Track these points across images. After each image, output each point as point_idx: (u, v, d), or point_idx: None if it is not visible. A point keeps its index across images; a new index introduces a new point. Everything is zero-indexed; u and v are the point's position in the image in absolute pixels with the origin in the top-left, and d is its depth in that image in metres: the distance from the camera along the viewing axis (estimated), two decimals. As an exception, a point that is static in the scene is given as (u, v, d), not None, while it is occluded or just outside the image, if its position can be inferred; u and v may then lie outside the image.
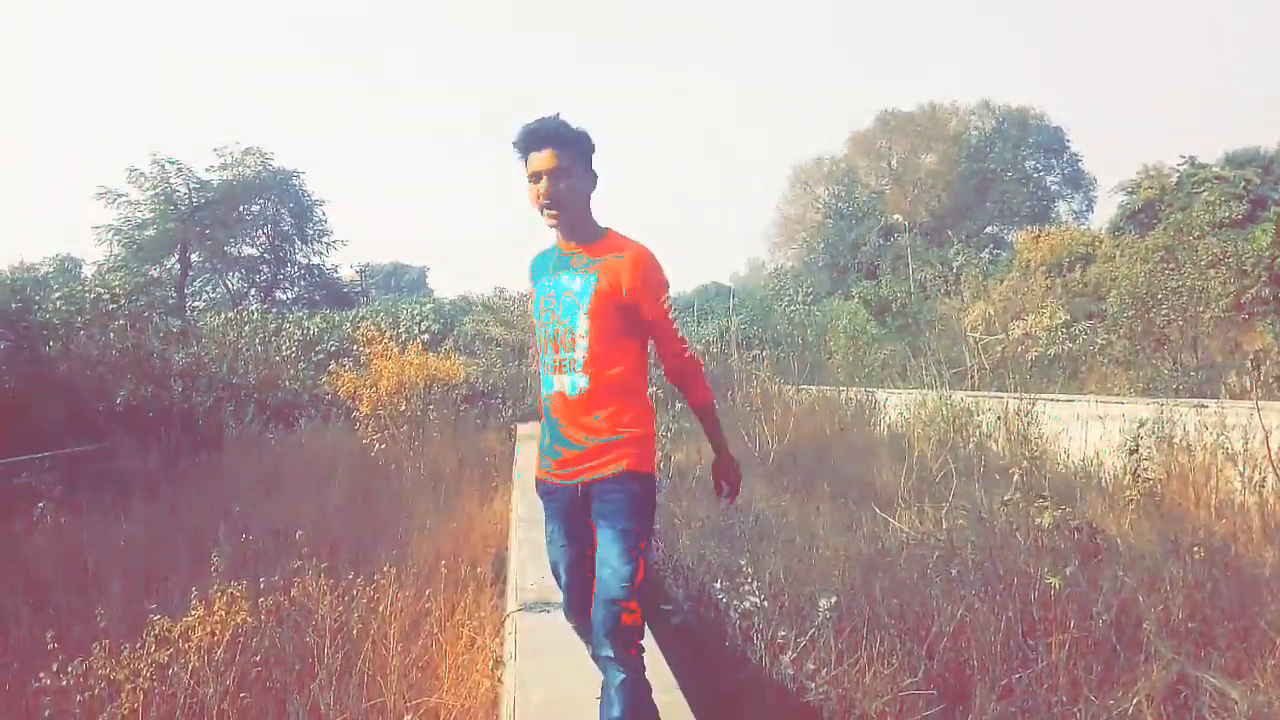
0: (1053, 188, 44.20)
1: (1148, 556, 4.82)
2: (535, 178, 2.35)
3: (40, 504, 6.94)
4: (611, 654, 2.22)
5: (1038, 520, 4.88)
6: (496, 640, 3.89)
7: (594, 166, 2.45)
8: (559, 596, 2.57)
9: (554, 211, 2.37)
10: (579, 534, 2.40)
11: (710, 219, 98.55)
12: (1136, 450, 6.40)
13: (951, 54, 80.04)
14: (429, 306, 22.70)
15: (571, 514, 2.41)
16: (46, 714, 3.45)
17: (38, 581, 5.58)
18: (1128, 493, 6.13)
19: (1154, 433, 7.48)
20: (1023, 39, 78.82)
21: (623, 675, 2.22)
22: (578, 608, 2.43)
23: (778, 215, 48.70)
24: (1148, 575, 4.48)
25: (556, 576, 2.50)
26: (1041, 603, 4.21)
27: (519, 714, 2.73)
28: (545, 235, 2.52)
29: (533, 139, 2.36)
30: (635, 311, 2.39)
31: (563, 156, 2.34)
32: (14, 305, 13.30)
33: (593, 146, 2.43)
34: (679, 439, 10.05)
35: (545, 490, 2.49)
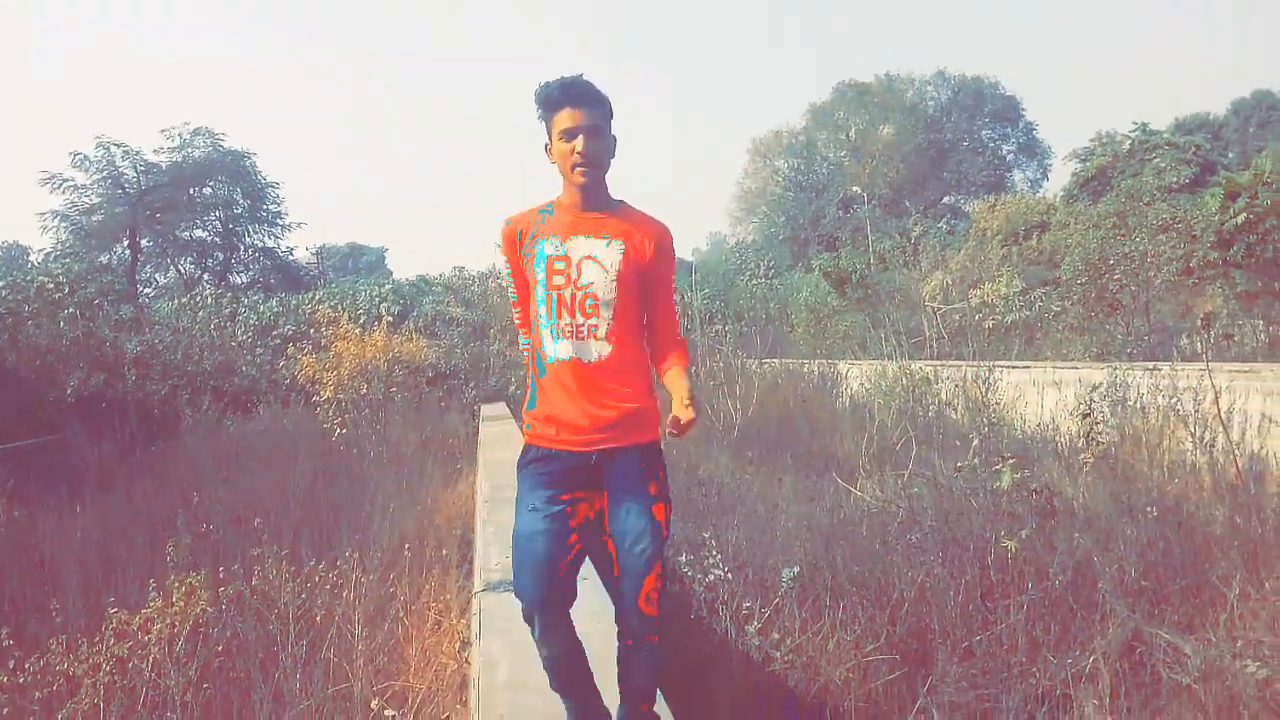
0: (1008, 156, 44.76)
1: (1102, 517, 4.92)
2: (569, 135, 2.30)
3: (-7, 498, 6.80)
4: (644, 626, 2.29)
5: (996, 483, 4.95)
6: (462, 622, 3.88)
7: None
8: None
9: (587, 170, 2.31)
10: (568, 503, 2.32)
11: (671, 193, 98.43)
12: (1090, 414, 6.52)
13: (908, 23, 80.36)
14: (388, 287, 22.46)
15: (568, 482, 2.32)
16: (4, 712, 3.39)
17: (-9, 580, 5.46)
18: (1082, 455, 6.24)
19: (1107, 396, 7.62)
20: (979, 5, 79.27)
21: (648, 649, 2.33)
22: (545, 580, 2.27)
23: (738, 189, 48.81)
24: (1102, 536, 4.58)
25: (527, 549, 2.28)
26: (999, 565, 4.28)
27: (483, 692, 2.72)
28: (503, 209, 2.46)
29: (567, 96, 2.31)
30: (652, 283, 2.42)
31: (597, 116, 2.33)
32: (-42, 296, 12.95)
33: (613, 112, 2.41)
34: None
35: (538, 456, 2.35)
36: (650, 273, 2.39)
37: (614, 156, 2.41)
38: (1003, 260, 17.58)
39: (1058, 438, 7.91)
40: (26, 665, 3.39)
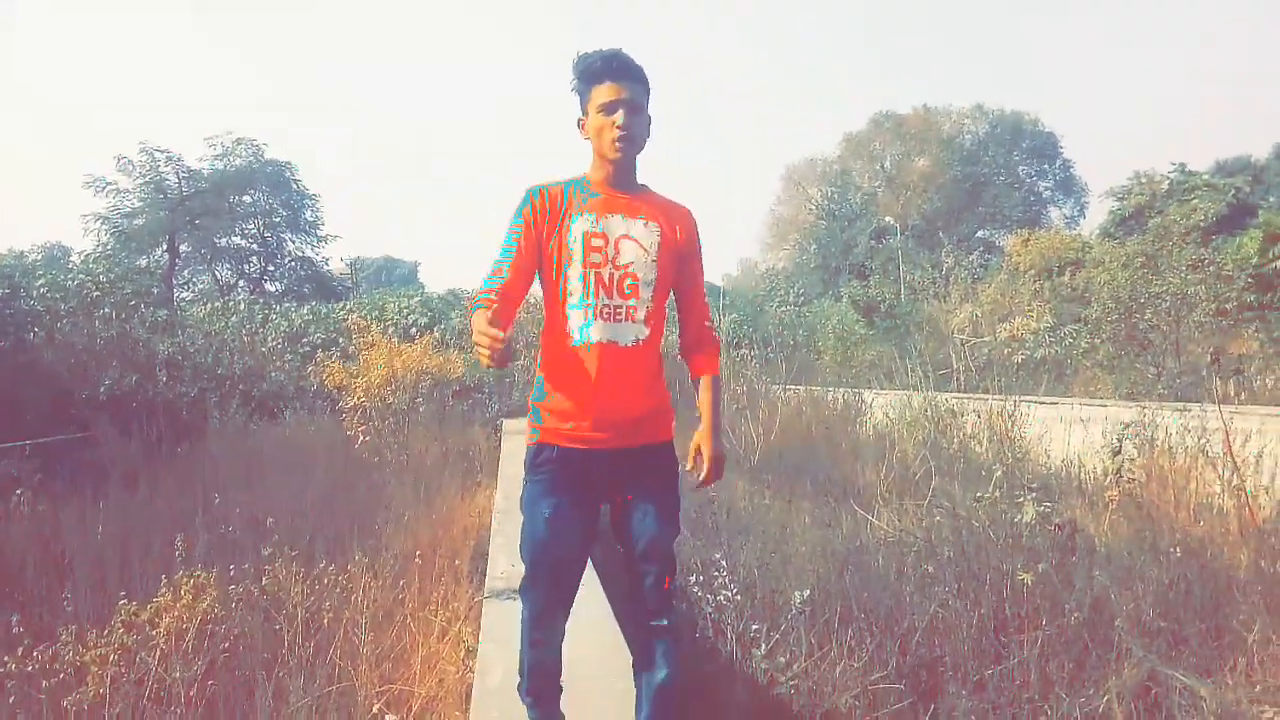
0: (1045, 193, 44.45)
1: (1123, 555, 4.83)
2: (609, 108, 2.22)
3: (18, 491, 6.89)
4: (666, 620, 2.25)
5: (1019, 516, 4.88)
6: (469, 630, 3.87)
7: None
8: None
9: (625, 145, 2.24)
10: (588, 506, 2.26)
11: (703, 219, 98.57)
12: (1119, 451, 6.41)
13: (946, 58, 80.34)
14: (416, 300, 22.63)
15: (589, 482, 2.24)
16: (11, 700, 3.42)
17: (8, 569, 5.53)
18: (1108, 493, 6.14)
19: (1136, 435, 7.50)
20: (1019, 45, 79.09)
21: (668, 640, 2.26)
22: (562, 591, 2.25)
23: (770, 216, 48.88)
24: (1122, 574, 4.49)
25: (542, 553, 2.21)
26: (1015, 600, 4.21)
27: (475, 697, 2.73)
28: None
29: (609, 68, 2.24)
30: (687, 267, 2.38)
31: (638, 91, 2.26)
32: (1, 293, 13.22)
33: (650, 90, 2.33)
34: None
35: (555, 455, 2.24)
36: (684, 257, 2.36)
37: (649, 136, 2.34)
38: (1034, 295, 17.41)
39: (1083, 475, 7.79)
40: (35, 653, 3.42)
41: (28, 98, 73.72)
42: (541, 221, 2.25)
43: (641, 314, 2.25)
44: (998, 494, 5.37)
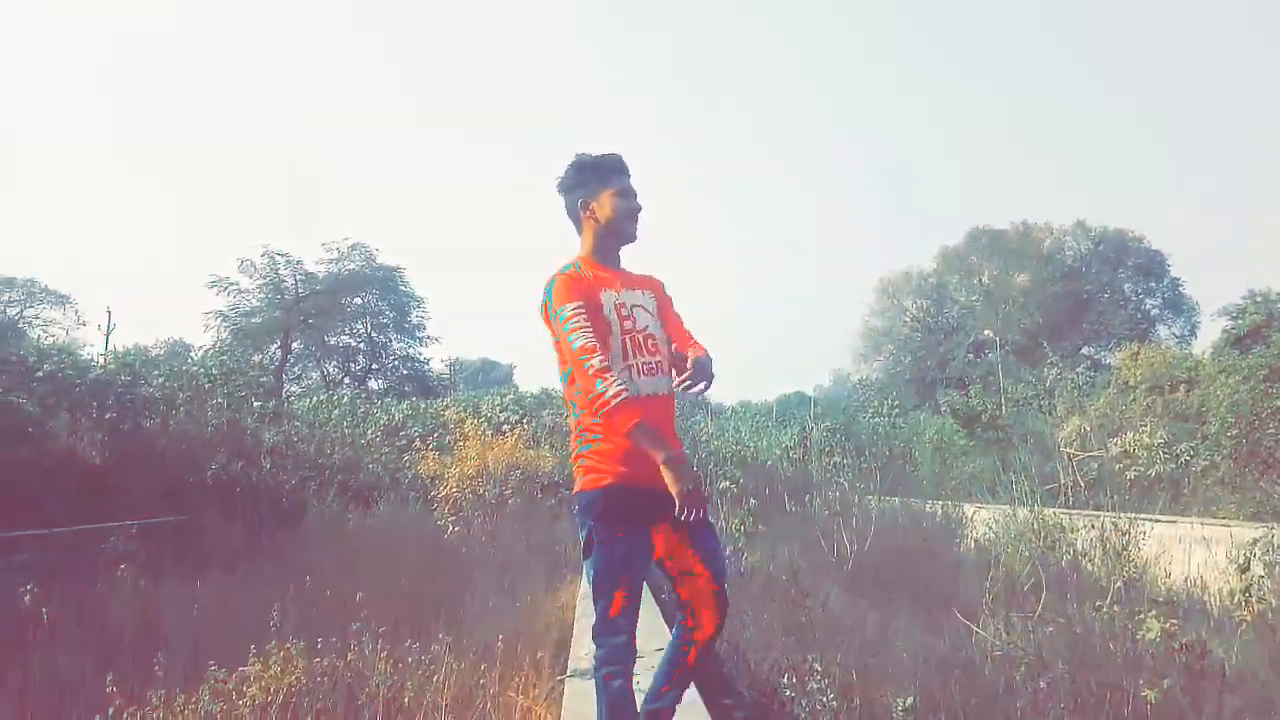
0: (1152, 311, 42.82)
1: (1256, 679, 4.41)
2: (628, 194, 2.71)
3: (122, 566, 7.11)
4: (717, 634, 2.65)
5: (1141, 633, 4.51)
6: (550, 715, 3.75)
7: None
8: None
9: (635, 225, 2.73)
10: (649, 546, 2.56)
11: (795, 329, 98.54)
12: (1247, 569, 5.94)
13: (1046, 174, 79.86)
14: (509, 397, 23.04)
15: (643, 516, 2.52)
16: (102, 761, 3.44)
17: (107, 638, 5.66)
18: (1237, 613, 5.66)
19: (1266, 554, 6.96)
20: (1121, 162, 78.13)
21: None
22: (634, 629, 2.49)
23: (864, 326, 48.28)
24: (1257, 699, 4.08)
25: (631, 584, 2.48)
26: (1137, 719, 3.86)
27: None
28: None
29: (622, 164, 2.76)
30: (670, 318, 2.83)
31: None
32: (122, 379, 14.03)
33: None
34: (752, 543, 9.81)
35: (621, 496, 2.49)
36: (667, 311, 2.82)
37: None
38: (1146, 410, 16.60)
39: (1206, 597, 7.23)
40: (125, 715, 3.44)
41: (158, 199, 79.70)
42: (585, 298, 2.56)
43: (666, 367, 2.67)
44: (1116, 608, 5.00)
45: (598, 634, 2.47)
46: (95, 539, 9.76)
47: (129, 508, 11.64)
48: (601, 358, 2.43)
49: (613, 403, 2.37)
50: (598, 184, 2.71)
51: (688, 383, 2.67)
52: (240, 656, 4.09)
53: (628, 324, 2.61)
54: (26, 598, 5.47)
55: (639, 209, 2.72)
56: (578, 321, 2.48)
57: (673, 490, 2.38)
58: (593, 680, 2.52)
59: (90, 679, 4.53)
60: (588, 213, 2.71)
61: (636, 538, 2.50)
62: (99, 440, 13.29)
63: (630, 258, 2.84)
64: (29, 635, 5.24)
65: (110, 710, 3.45)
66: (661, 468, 2.38)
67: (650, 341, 2.64)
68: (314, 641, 4.33)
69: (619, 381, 2.40)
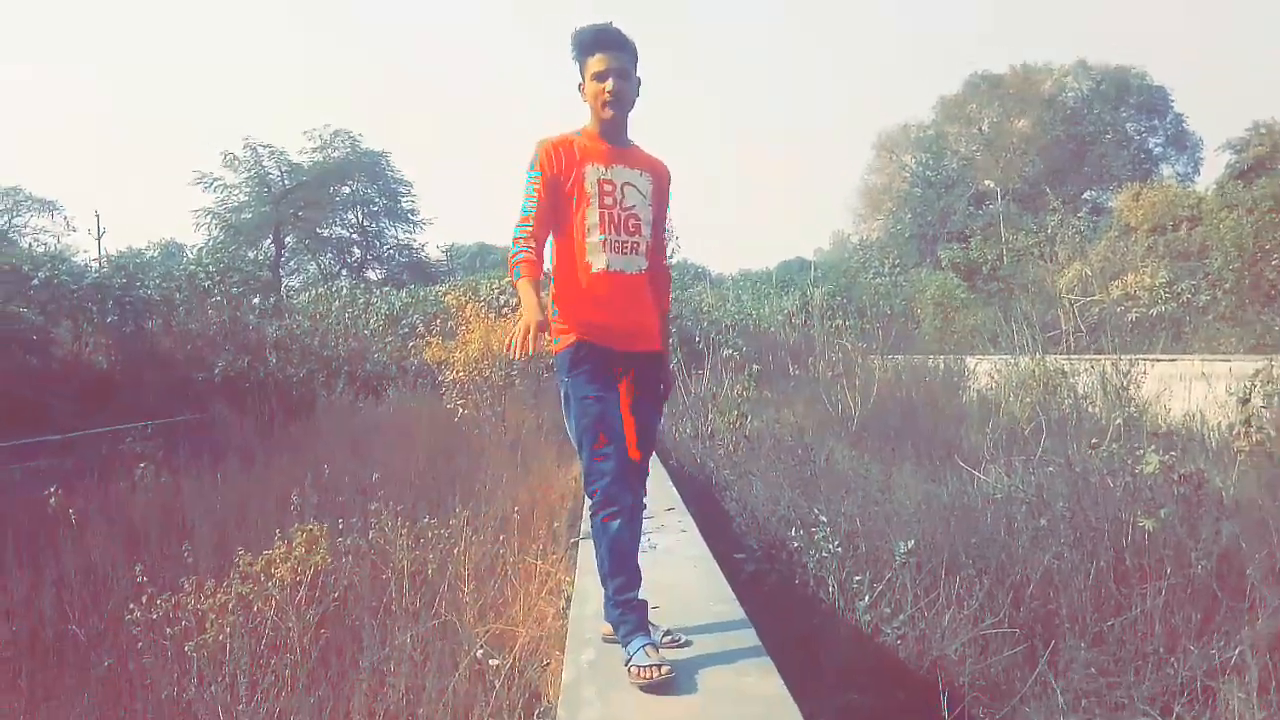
0: (1155, 150, 41.89)
1: (1254, 505, 4.53)
2: (601, 76, 2.64)
3: (141, 465, 7.26)
4: (643, 488, 2.78)
5: (1139, 468, 4.61)
6: (568, 579, 3.89)
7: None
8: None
9: (615, 107, 2.65)
10: (615, 391, 2.70)
11: (791, 192, 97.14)
12: (1247, 400, 6.02)
13: (1043, 11, 76.87)
14: (507, 280, 22.95)
15: (610, 374, 2.67)
16: (139, 645, 3.59)
17: (136, 533, 5.82)
18: (1237, 444, 5.77)
19: (1266, 385, 7.03)
20: (1124, -5, 74.94)
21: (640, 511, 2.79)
22: (628, 463, 2.61)
23: (862, 185, 47.40)
24: (1253, 524, 4.21)
25: (609, 431, 2.58)
26: (1135, 550, 3.99)
27: (573, 621, 2.84)
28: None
29: (599, 41, 2.66)
30: (660, 208, 2.84)
31: (624, 59, 2.67)
32: (119, 283, 13.98)
33: (638, 56, 2.74)
34: (757, 407, 9.95)
35: (588, 353, 2.64)
36: (664, 200, 2.84)
37: (638, 96, 2.75)
38: (1148, 252, 16.50)
39: (1206, 431, 7.36)
40: (159, 601, 3.57)
41: (136, 102, 77.54)
42: (557, 167, 2.67)
43: (643, 248, 2.74)
44: (1115, 446, 5.10)
45: (588, 481, 2.61)
46: (111, 441, 9.93)
47: (139, 408, 11.80)
48: (530, 226, 2.60)
49: (513, 261, 2.57)
50: (581, 60, 2.70)
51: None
52: (265, 542, 4.22)
53: (608, 199, 2.66)
54: (52, 500, 5.63)
55: (613, 90, 2.64)
56: (531, 190, 2.65)
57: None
58: None
59: (121, 570, 4.69)
60: (581, 91, 2.73)
61: (606, 388, 2.64)
62: (103, 345, 13.37)
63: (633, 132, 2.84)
64: (59, 534, 5.39)
65: (144, 598, 3.57)
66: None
67: (632, 221, 2.70)
68: (335, 523, 4.46)
69: (524, 246, 2.56)
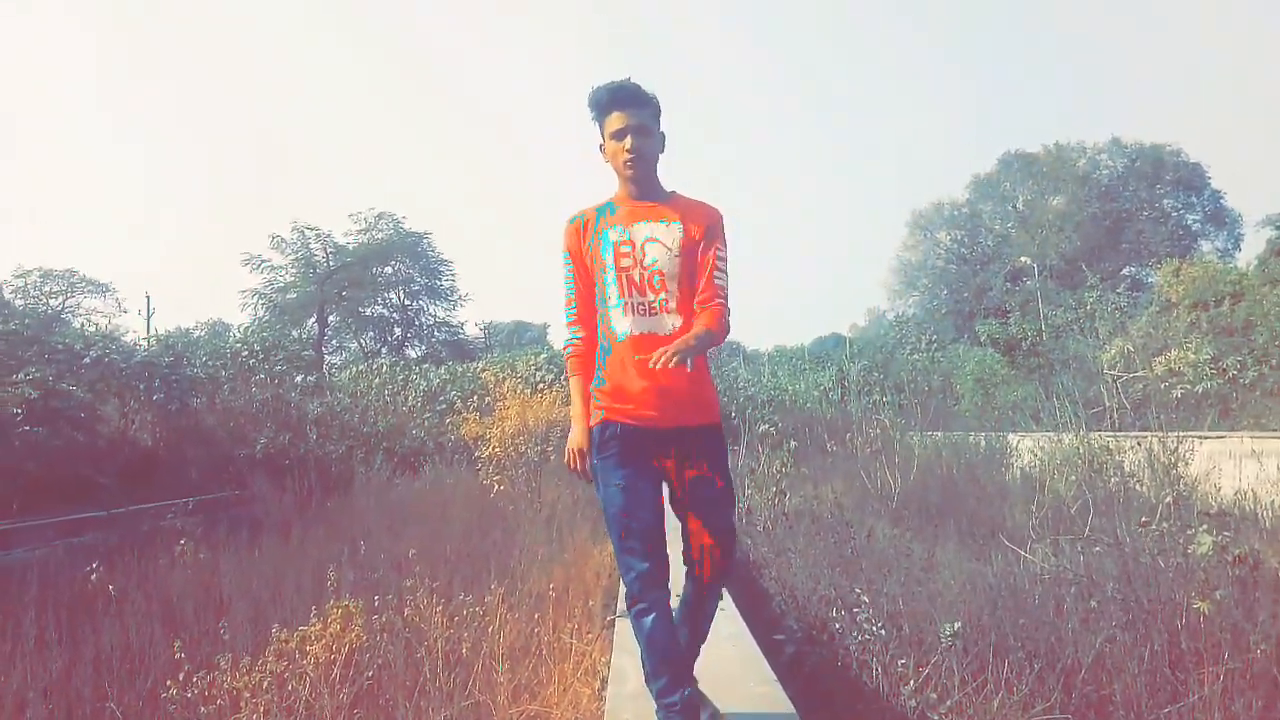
0: (1194, 226, 41.66)
1: (1315, 588, 4.34)
2: (619, 135, 2.53)
3: (181, 541, 7.32)
4: (722, 576, 2.59)
5: (1192, 548, 4.46)
6: (605, 661, 3.83)
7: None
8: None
9: (635, 164, 2.53)
10: (654, 476, 2.51)
11: (827, 269, 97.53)
12: (1300, 479, 5.84)
13: (1076, 93, 77.60)
14: (544, 356, 23.19)
15: (650, 454, 2.50)
16: (173, 723, 3.57)
17: (174, 609, 5.84)
18: (1291, 525, 5.58)
19: (1319, 463, 6.83)
20: (1152, 76, 75.58)
21: (716, 596, 2.71)
22: (655, 552, 2.43)
23: (897, 262, 47.53)
24: (1315, 608, 4.03)
25: (637, 527, 2.43)
26: (1190, 633, 3.84)
27: (611, 700, 2.79)
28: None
29: (615, 99, 2.55)
30: (704, 251, 2.58)
31: (643, 115, 2.55)
32: (166, 361, 14.31)
33: (660, 110, 2.62)
34: (794, 483, 9.83)
35: (622, 431, 2.50)
36: (704, 241, 2.58)
37: (662, 151, 2.62)
38: (1190, 328, 16.25)
39: (1258, 509, 7.14)
40: (195, 679, 3.56)
41: (187, 186, 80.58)
42: (581, 242, 2.62)
43: (673, 304, 2.53)
44: (1166, 525, 4.96)
45: (621, 571, 2.51)
46: (153, 517, 10.05)
47: (182, 484, 11.97)
48: (573, 311, 2.66)
49: (565, 356, 2.63)
50: (599, 120, 2.61)
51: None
52: (301, 618, 4.21)
53: (625, 260, 2.54)
54: (94, 575, 5.70)
55: (632, 149, 2.52)
56: (565, 272, 2.67)
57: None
58: None
59: (159, 647, 4.70)
60: (602, 151, 2.64)
61: (637, 474, 2.47)
62: (148, 421, 13.63)
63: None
64: (98, 610, 5.43)
65: (180, 675, 3.56)
66: None
67: (656, 279, 2.52)
68: (371, 600, 4.44)
69: (571, 337, 2.64)
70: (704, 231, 2.58)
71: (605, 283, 2.55)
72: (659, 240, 2.54)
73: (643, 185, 2.59)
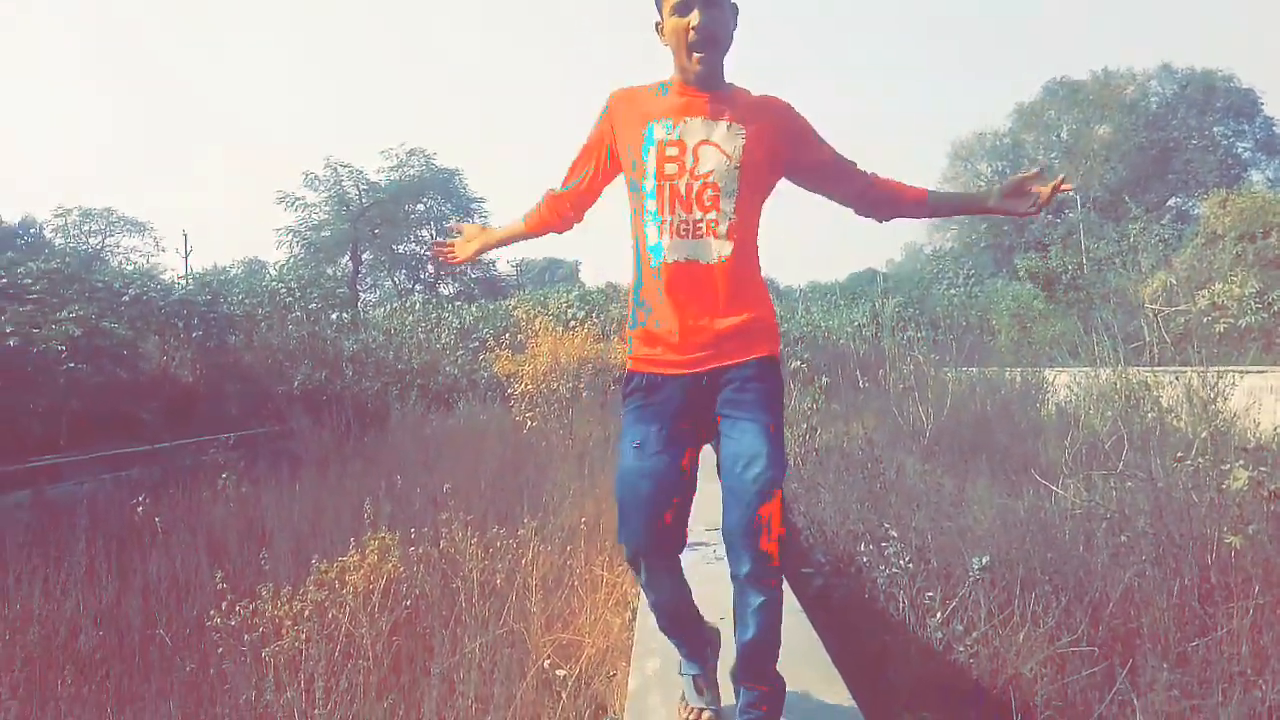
0: (1244, 154, 40.31)
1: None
2: (683, 8, 1.96)
3: (223, 475, 7.52)
4: (758, 565, 1.87)
5: (1227, 483, 4.43)
6: (634, 591, 3.90)
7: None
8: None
9: (704, 49, 1.98)
10: (680, 437, 2.02)
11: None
12: (1342, 414, 5.74)
13: (1126, 15, 74.72)
14: (575, 294, 23.24)
15: (679, 411, 2.02)
16: (219, 650, 3.71)
17: (218, 541, 6.04)
18: (1331, 460, 5.49)
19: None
20: (1209, -6, 72.45)
21: (763, 597, 1.90)
22: (653, 530, 2.00)
23: (936, 194, 46.47)
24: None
25: (631, 492, 2.00)
26: (1221, 568, 3.83)
27: (639, 632, 2.80)
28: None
29: None
30: (802, 154, 2.11)
31: None
32: (204, 299, 14.53)
33: None
34: (825, 420, 9.83)
35: (643, 384, 2.06)
36: (788, 148, 2.09)
37: (735, 28, 2.06)
38: (1236, 260, 15.84)
39: (1300, 445, 7.04)
40: (238, 608, 3.69)
41: (223, 125, 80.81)
42: (622, 127, 2.09)
43: (724, 227, 1.99)
44: (1201, 460, 4.91)
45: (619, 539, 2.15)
46: (195, 451, 10.32)
47: (222, 420, 12.25)
48: (556, 186, 2.29)
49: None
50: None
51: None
52: (340, 549, 4.33)
53: (671, 167, 2.00)
54: (140, 508, 5.90)
55: (699, 26, 1.96)
56: (587, 137, 2.20)
57: None
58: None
59: (204, 577, 4.87)
60: (659, 31, 2.08)
61: (654, 437, 2.01)
62: (188, 359, 13.89)
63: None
64: (145, 541, 5.62)
65: (224, 604, 3.69)
66: None
67: (708, 192, 1.98)
68: (407, 532, 4.56)
69: (541, 198, 2.33)
70: (780, 130, 2.07)
71: (642, 191, 2.03)
72: (717, 145, 2.00)
73: (706, 79, 2.02)
